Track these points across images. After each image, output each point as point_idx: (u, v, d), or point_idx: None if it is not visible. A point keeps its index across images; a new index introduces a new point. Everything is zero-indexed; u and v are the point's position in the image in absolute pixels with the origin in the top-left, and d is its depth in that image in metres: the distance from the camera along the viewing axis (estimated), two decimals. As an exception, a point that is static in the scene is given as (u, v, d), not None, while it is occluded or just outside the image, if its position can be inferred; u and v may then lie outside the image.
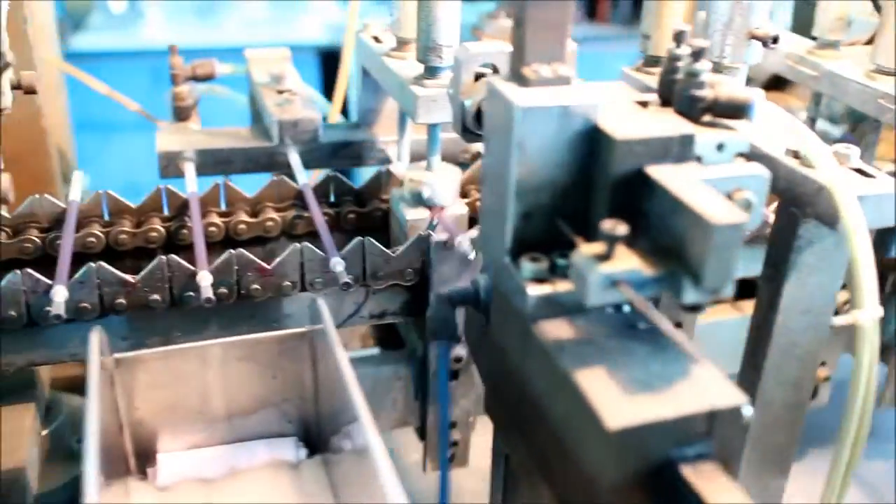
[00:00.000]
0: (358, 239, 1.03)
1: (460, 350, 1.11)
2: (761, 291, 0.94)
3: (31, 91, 1.09)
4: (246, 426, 0.96)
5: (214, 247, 1.16)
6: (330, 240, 1.04)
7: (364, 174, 1.46)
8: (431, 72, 1.07)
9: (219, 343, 0.91)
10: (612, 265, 0.64)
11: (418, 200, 1.11)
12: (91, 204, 1.16)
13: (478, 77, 0.92)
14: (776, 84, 1.67)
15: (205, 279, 0.96)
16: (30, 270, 0.94)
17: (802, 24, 1.51)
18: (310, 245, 1.02)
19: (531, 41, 0.74)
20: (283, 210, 1.23)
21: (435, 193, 1.10)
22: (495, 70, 0.92)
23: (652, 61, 1.13)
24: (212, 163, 1.27)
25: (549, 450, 0.72)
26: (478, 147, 1.37)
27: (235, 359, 0.92)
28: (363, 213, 1.25)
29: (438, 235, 1.04)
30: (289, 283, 1.02)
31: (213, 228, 1.17)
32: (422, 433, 1.19)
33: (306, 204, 1.17)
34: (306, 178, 1.21)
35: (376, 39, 1.27)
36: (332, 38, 4.39)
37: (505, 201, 0.74)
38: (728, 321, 1.30)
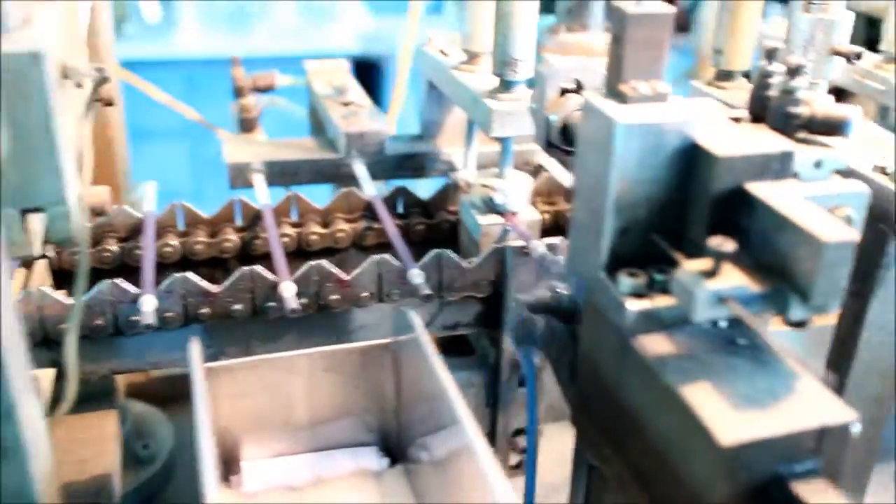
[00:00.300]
0: (435, 251, 1.05)
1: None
2: (845, 307, 0.95)
3: (109, 103, 1.10)
4: (328, 435, 0.97)
5: (286, 257, 1.18)
6: (407, 252, 1.05)
7: (421, 185, 1.47)
8: (506, 86, 1.08)
9: (305, 354, 0.92)
10: (718, 282, 0.65)
11: (489, 206, 1.13)
12: (166, 214, 1.18)
13: (563, 92, 0.93)
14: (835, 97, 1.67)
15: (288, 290, 0.97)
16: (117, 280, 0.96)
17: (855, 37, 1.51)
18: (387, 257, 1.03)
19: (630, 58, 0.75)
20: (352, 221, 1.24)
21: (507, 199, 1.11)
22: (579, 85, 0.93)
23: (724, 76, 1.13)
24: (279, 174, 1.29)
25: (649, 464, 0.72)
26: (539, 160, 1.38)
27: (320, 369, 0.93)
28: (431, 224, 1.26)
29: (515, 241, 1.05)
30: (366, 295, 1.04)
31: (285, 239, 1.19)
32: (491, 440, 1.19)
33: (376, 215, 1.19)
34: (375, 190, 1.22)
35: (442, 53, 1.29)
36: (363, 47, 4.42)
37: (601, 216, 0.75)
38: (787, 333, 1.30)
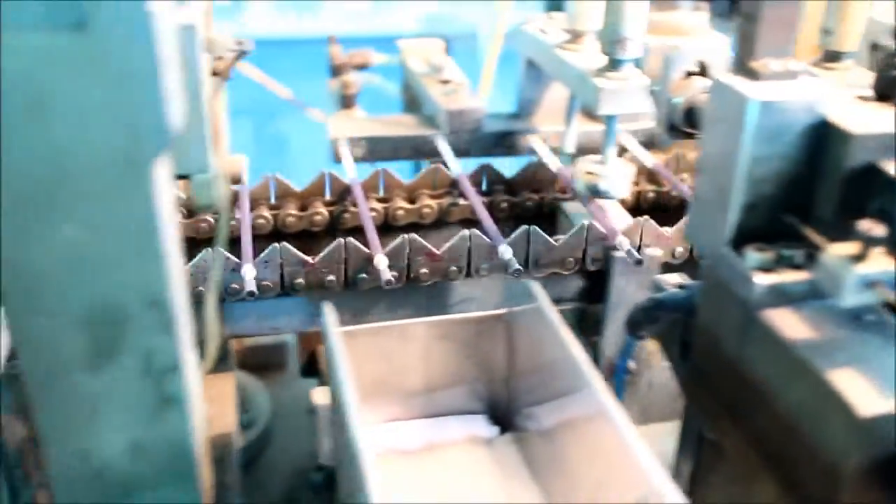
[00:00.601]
0: (523, 227, 1.07)
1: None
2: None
3: (226, 77, 1.14)
4: (439, 402, 1.00)
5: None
6: (494, 228, 1.07)
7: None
8: (615, 64, 1.09)
9: (421, 322, 0.95)
10: (867, 266, 0.65)
11: (594, 193, 1.14)
12: (258, 187, 1.22)
13: (687, 75, 0.94)
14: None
15: (381, 262, 1.00)
16: (220, 249, 1.00)
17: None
18: (477, 232, 1.06)
19: (763, 37, 0.76)
20: (438, 197, 1.27)
21: (611, 186, 1.13)
22: (703, 68, 0.94)
23: (832, 57, 1.12)
24: (380, 149, 1.32)
25: (776, 436, 0.74)
26: (622, 140, 1.38)
27: (435, 338, 0.96)
28: (515, 202, 1.28)
29: (620, 251, 1.07)
30: (455, 269, 1.06)
31: (372, 213, 1.22)
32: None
33: (461, 192, 1.22)
34: (461, 167, 1.24)
35: (542, 32, 1.30)
36: (425, 28, 4.43)
37: (728, 191, 0.76)
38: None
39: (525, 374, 0.94)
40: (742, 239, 0.77)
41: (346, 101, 1.45)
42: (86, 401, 0.64)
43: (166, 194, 0.59)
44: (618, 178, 1.13)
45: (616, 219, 1.14)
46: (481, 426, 0.99)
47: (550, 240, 1.09)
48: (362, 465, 0.65)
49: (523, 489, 0.91)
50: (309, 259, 1.03)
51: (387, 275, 1.00)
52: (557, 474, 0.89)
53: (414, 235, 1.06)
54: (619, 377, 1.02)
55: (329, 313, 0.83)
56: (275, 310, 1.08)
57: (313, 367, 1.47)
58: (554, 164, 1.26)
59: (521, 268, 1.06)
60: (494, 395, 1.01)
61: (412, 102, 1.56)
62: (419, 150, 1.34)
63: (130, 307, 0.61)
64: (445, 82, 1.38)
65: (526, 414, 0.97)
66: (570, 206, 1.18)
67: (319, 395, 1.00)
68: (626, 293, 1.09)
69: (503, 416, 1.02)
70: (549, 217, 1.30)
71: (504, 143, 1.37)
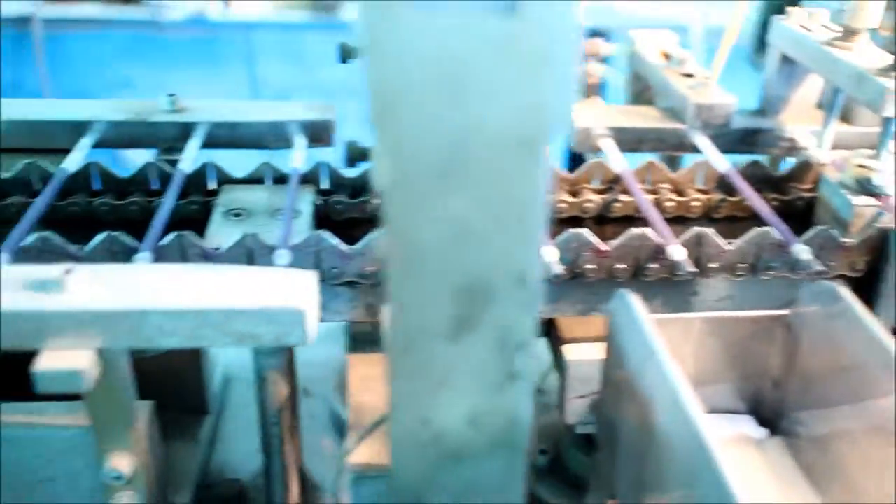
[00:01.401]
0: (817, 228, 1.04)
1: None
2: None
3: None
4: (704, 399, 0.98)
5: (638, 222, 1.20)
6: (784, 225, 1.05)
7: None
8: (902, 64, 1.05)
9: (698, 317, 0.95)
10: None
11: (863, 187, 1.11)
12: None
13: None
14: None
15: (678, 253, 1.00)
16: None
17: None
18: (768, 229, 1.04)
19: None
20: (706, 192, 1.25)
21: (887, 181, 1.09)
22: None
23: None
24: (624, 140, 1.31)
25: None
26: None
27: (710, 334, 0.95)
28: (786, 200, 1.25)
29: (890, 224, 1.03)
30: (744, 265, 1.05)
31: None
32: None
33: (729, 187, 1.20)
34: (728, 163, 1.22)
35: (804, 28, 1.27)
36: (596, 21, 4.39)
37: None
38: None
39: (807, 377, 0.92)
40: None
41: (588, 90, 1.45)
42: (439, 369, 0.66)
43: (547, 175, 0.61)
44: (892, 174, 1.09)
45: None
46: (750, 426, 0.98)
47: (842, 240, 1.06)
48: (713, 462, 0.65)
49: (800, 494, 0.90)
50: (604, 246, 1.04)
51: (687, 266, 1.00)
52: (834, 482, 0.87)
53: (706, 229, 1.04)
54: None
55: (635, 301, 0.83)
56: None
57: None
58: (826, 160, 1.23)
59: (824, 269, 1.03)
60: (760, 397, 1.00)
61: (640, 94, 1.55)
62: (663, 142, 1.32)
63: (499, 282, 0.63)
64: (689, 75, 1.36)
65: (796, 418, 0.95)
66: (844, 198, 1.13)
67: (571, 352, 1.03)
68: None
69: (768, 418, 1.00)
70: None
71: (748, 140, 1.34)
